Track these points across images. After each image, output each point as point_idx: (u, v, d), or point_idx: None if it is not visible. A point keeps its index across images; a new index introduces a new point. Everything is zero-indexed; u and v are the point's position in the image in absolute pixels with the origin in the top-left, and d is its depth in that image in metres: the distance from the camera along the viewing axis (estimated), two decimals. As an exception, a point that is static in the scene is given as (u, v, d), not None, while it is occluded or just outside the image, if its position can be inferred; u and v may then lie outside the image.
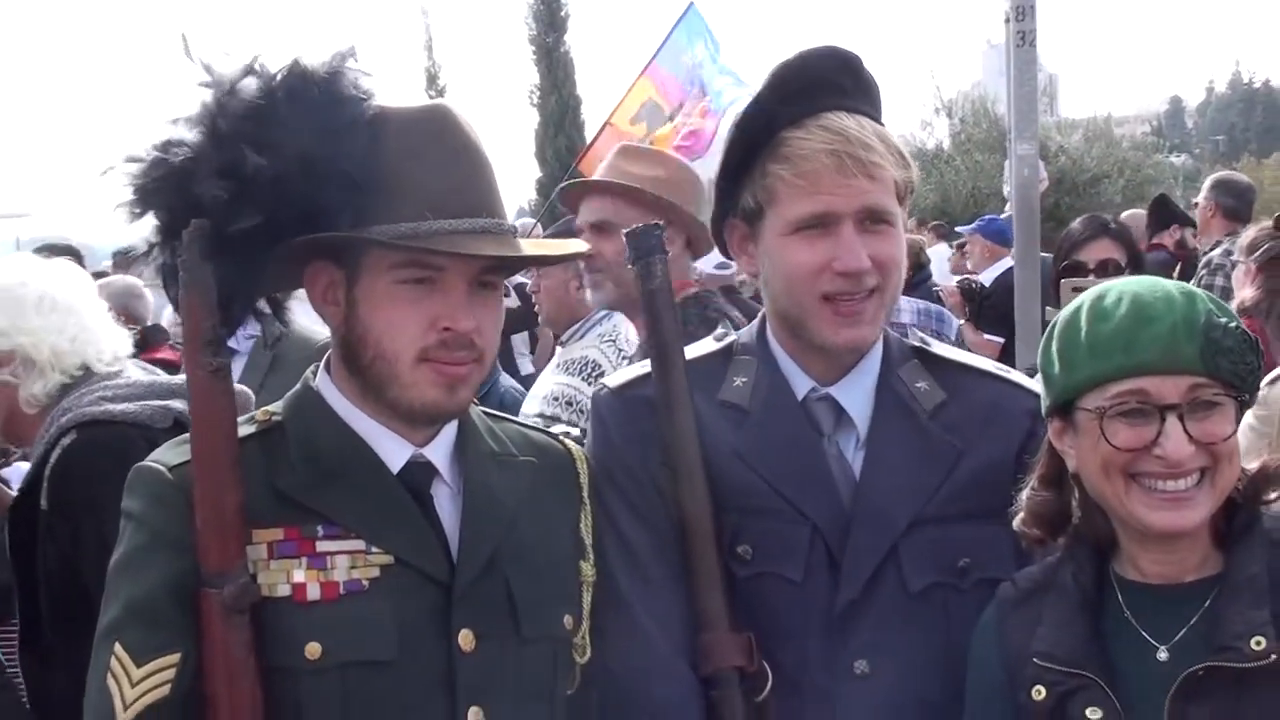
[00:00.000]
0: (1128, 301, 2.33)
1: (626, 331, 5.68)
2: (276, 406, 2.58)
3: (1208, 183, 9.19)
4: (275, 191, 2.35)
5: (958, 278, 11.66)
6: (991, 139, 30.48)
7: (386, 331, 2.42)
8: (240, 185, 2.34)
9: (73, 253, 8.62)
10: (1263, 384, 2.96)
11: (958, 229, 13.08)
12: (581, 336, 5.68)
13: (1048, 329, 2.48)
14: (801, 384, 2.77)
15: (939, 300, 9.79)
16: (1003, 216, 12.60)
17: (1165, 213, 10.07)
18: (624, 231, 2.86)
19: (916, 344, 2.88)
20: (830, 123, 2.65)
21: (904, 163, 2.73)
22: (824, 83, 2.70)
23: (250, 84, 2.42)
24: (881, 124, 2.75)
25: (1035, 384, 2.77)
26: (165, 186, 2.42)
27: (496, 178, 2.54)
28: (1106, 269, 5.40)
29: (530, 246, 2.60)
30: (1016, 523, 2.55)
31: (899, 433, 2.74)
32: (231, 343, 5.20)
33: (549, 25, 35.09)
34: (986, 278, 11.41)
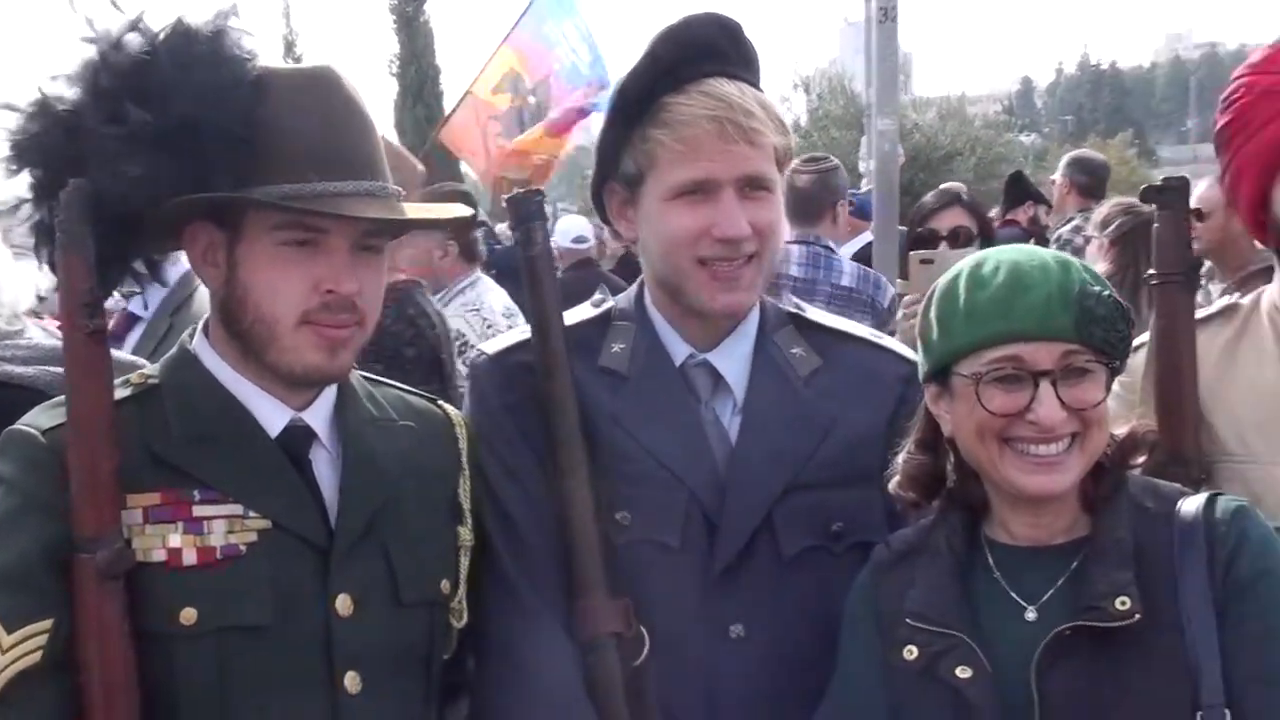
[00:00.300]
0: (1005, 270, 2.37)
1: (490, 300, 5.68)
2: (153, 369, 2.54)
3: (1064, 160, 9.33)
4: (157, 149, 2.30)
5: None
6: (848, 116, 30.84)
7: (267, 294, 2.39)
8: (123, 140, 2.29)
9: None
10: None
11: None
12: (445, 305, 5.65)
13: (926, 296, 2.52)
14: (679, 350, 2.79)
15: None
16: (860, 192, 12.76)
17: (1019, 190, 10.24)
18: (504, 198, 2.86)
19: (792, 310, 2.91)
20: (712, 89, 2.66)
21: (783, 130, 2.75)
22: (706, 49, 2.71)
23: (134, 40, 2.37)
24: (761, 91, 2.77)
25: (907, 349, 2.82)
26: (44, 142, 2.37)
27: (380, 141, 2.52)
28: (959, 237, 5.53)
29: (413, 210, 2.59)
30: (892, 485, 2.59)
31: (774, 398, 2.77)
32: (135, 309, 5.06)
33: (409, -6, 34.69)
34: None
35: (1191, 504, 2.42)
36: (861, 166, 13.51)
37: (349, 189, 2.38)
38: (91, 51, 2.37)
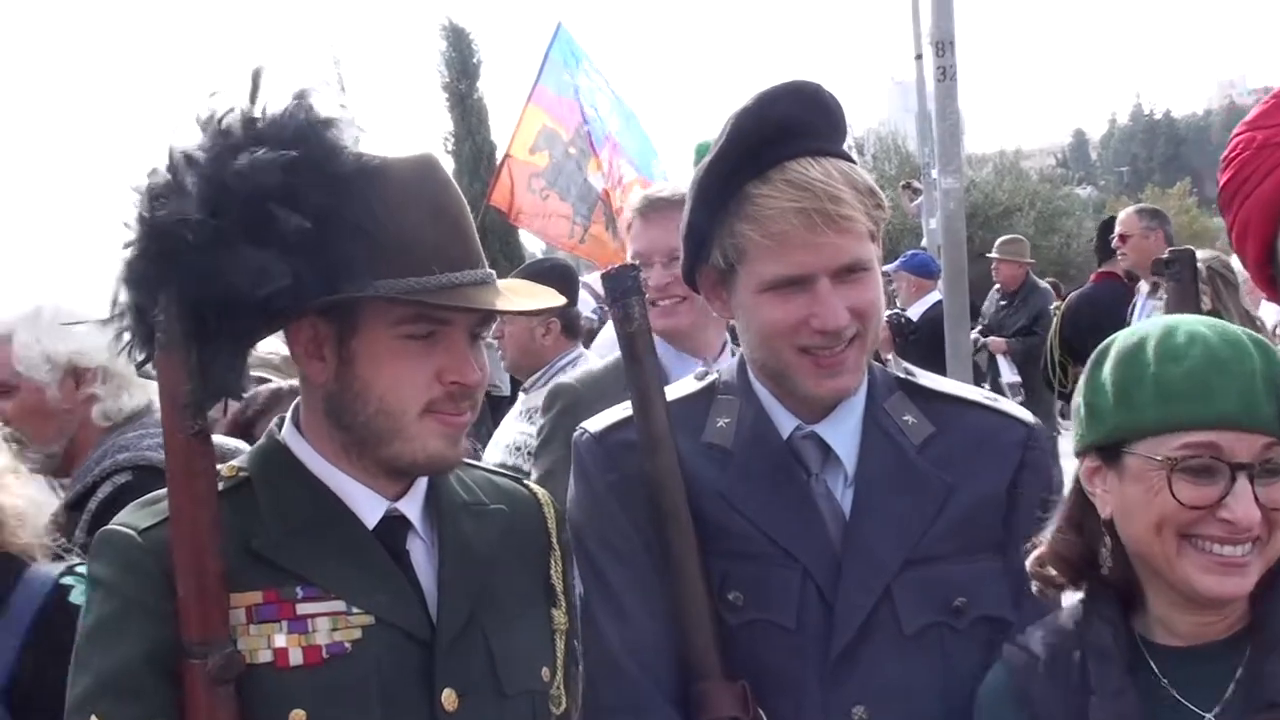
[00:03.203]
0: (1200, 345, 2.20)
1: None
2: (241, 461, 2.48)
3: (1136, 212, 9.13)
4: (293, 252, 2.22)
5: (887, 312, 11.71)
6: (903, 175, 30.84)
7: (392, 386, 2.34)
8: (274, 249, 2.21)
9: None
10: None
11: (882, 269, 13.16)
12: (545, 384, 5.61)
13: (1095, 357, 2.35)
14: (786, 422, 2.70)
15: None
16: (919, 252, 12.70)
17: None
18: (600, 273, 2.80)
19: (901, 375, 2.82)
20: (795, 176, 2.54)
21: (875, 204, 2.61)
22: (786, 127, 2.59)
23: (255, 138, 2.26)
24: (851, 159, 2.66)
25: (1025, 413, 2.73)
26: (172, 262, 2.23)
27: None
28: None
29: (524, 301, 2.53)
30: (1031, 561, 2.45)
31: (888, 469, 2.67)
32: None
33: (461, 72, 34.81)
34: (914, 312, 11.47)
35: None
36: (922, 224, 13.48)
37: (467, 279, 2.35)
38: (211, 151, 2.26)
